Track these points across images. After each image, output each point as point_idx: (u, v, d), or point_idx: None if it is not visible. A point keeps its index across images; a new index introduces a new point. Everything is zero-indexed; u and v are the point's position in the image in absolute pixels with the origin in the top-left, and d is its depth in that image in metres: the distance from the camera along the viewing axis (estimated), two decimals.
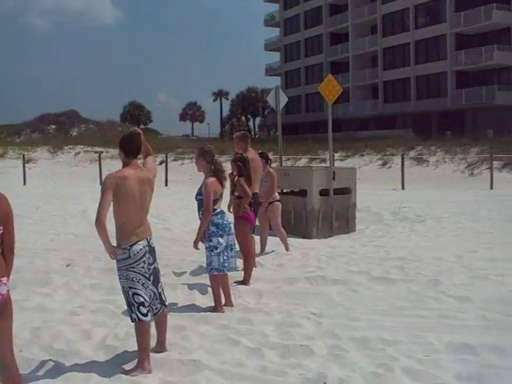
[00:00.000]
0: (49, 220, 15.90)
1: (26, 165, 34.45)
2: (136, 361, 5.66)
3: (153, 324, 5.87)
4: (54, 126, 68.63)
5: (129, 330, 6.51)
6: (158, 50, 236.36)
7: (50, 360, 5.91)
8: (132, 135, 5.76)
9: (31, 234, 13.02)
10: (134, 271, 5.56)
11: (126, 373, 5.54)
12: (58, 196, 22.50)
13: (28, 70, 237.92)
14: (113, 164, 37.11)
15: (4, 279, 4.19)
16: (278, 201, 11.14)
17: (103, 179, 5.57)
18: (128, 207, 5.47)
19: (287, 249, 11.15)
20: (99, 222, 5.32)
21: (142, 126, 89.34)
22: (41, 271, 9.33)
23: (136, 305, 5.58)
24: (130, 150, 5.62)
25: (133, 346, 6.02)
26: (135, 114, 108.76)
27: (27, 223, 14.59)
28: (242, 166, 8.58)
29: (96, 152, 42.58)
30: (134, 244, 5.54)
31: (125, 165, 5.63)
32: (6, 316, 4.27)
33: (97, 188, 25.11)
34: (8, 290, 4.24)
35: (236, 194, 8.64)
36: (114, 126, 69.52)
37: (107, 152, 42.83)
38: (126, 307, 7.31)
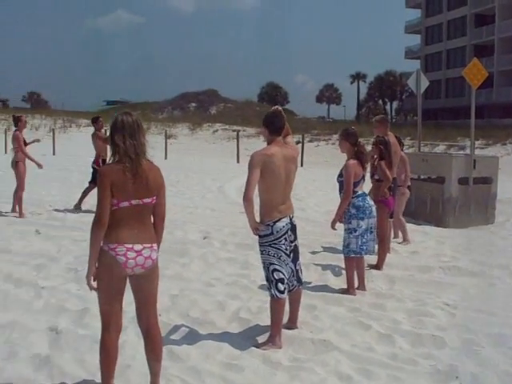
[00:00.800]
0: (188, 194, 16.48)
1: (167, 140, 35.71)
2: (268, 335, 5.79)
3: (286, 300, 5.97)
4: (194, 104, 70.76)
5: (262, 304, 6.68)
6: (296, 31, 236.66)
7: (186, 326, 6.17)
8: (275, 113, 5.84)
9: (171, 206, 13.44)
10: (276, 247, 5.67)
11: (258, 346, 5.68)
12: (197, 171, 23.20)
13: (171, 51, 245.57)
14: (250, 142, 37.78)
15: (155, 246, 4.42)
16: (408, 187, 10.77)
17: (250, 157, 5.63)
18: (273, 184, 5.58)
19: (405, 239, 10.58)
20: (247, 199, 5.46)
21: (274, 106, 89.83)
22: (179, 242, 9.72)
23: (274, 281, 5.70)
24: (274, 127, 5.71)
25: (265, 320, 6.17)
26: (272, 94, 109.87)
27: (168, 195, 15.04)
28: (384, 149, 8.50)
29: (234, 130, 43.42)
30: (277, 221, 5.64)
31: (269, 142, 5.73)
32: (154, 280, 4.51)
33: (234, 165, 25.74)
34: (157, 256, 4.47)
35: (376, 177, 8.57)
36: (251, 105, 70.65)
37: (244, 131, 43.60)
38: (259, 282, 7.54)
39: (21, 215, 12.55)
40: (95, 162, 13.47)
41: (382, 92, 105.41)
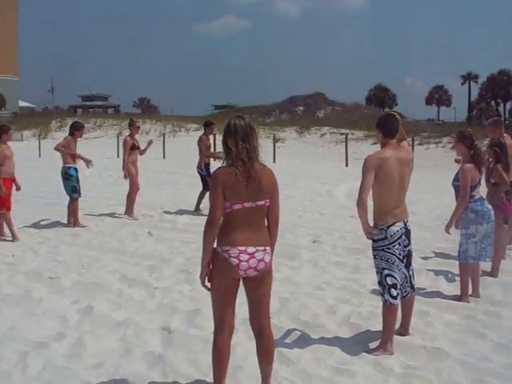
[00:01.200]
0: (296, 197, 16.50)
1: (275, 144, 35.90)
2: (379, 341, 5.70)
3: (399, 306, 5.85)
4: (301, 108, 70.82)
5: (373, 309, 6.58)
6: (403, 32, 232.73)
7: (297, 330, 6.18)
8: (389, 116, 5.79)
9: (282, 209, 13.55)
10: (390, 252, 5.57)
11: (369, 351, 5.60)
12: (305, 175, 23.20)
13: (278, 54, 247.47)
14: (358, 146, 37.41)
15: (268, 248, 4.44)
16: None
17: (364, 160, 5.58)
18: (387, 188, 5.49)
19: None
20: (361, 203, 5.43)
21: (386, 109, 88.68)
22: (290, 245, 9.74)
23: (387, 286, 5.60)
24: (388, 130, 5.63)
25: (376, 325, 6.08)
26: (380, 96, 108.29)
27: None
28: (500, 152, 8.20)
29: (342, 134, 43.11)
30: (391, 225, 5.55)
31: (383, 145, 5.65)
32: (267, 283, 4.53)
33: (342, 169, 25.50)
34: (271, 259, 4.49)
35: (492, 180, 8.27)
36: (359, 108, 69.98)
37: (352, 134, 43.15)
38: (370, 287, 7.44)
39: (131, 215, 12.97)
40: (198, 165, 13.73)
41: (494, 92, 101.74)
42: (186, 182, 19.09)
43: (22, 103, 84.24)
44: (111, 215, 13.32)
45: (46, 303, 7.11)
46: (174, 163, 28.52)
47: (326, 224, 12.27)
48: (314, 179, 21.84)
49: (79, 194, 12.11)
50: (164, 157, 34.13)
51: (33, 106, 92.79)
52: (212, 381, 4.61)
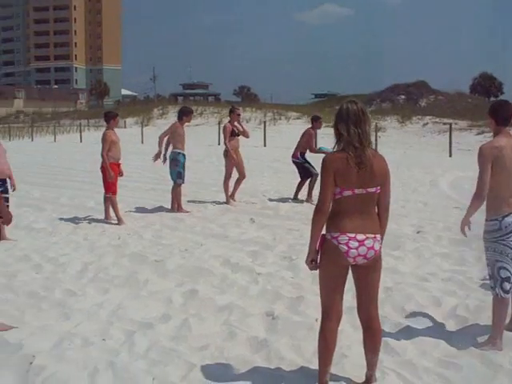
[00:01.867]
0: (400, 187, 16.21)
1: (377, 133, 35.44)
2: (487, 336, 5.52)
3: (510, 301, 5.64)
4: (403, 97, 69.47)
5: (480, 303, 6.39)
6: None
7: (402, 320, 6.08)
8: (501, 102, 5.62)
9: None
10: (504, 244, 5.36)
11: (476, 346, 5.43)
12: (407, 164, 22.75)
13: (380, 42, 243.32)
14: (462, 136, 36.43)
15: (378, 236, 4.38)
16: None
17: (479, 150, 5.40)
18: (502, 177, 5.29)
19: None
20: (480, 197, 5.30)
21: (492, 98, 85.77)
22: (393, 235, 9.57)
23: (500, 279, 5.40)
24: (501, 117, 5.43)
25: (484, 319, 5.90)
26: (485, 85, 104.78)
27: None
28: None
29: (445, 124, 42.07)
30: (506, 216, 5.35)
31: (496, 133, 5.45)
32: (377, 271, 4.47)
33: (446, 159, 24.80)
34: (380, 247, 4.42)
35: None
36: (463, 97, 67.98)
37: (456, 124, 41.99)
38: (476, 279, 7.24)
39: (228, 202, 13.19)
40: (294, 155, 13.70)
41: None
42: (288, 170, 19.15)
43: (124, 91, 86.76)
44: (214, 202, 13.53)
45: (151, 285, 7.31)
46: (276, 151, 28.65)
47: (429, 214, 12.00)
48: (417, 169, 21.41)
49: (183, 180, 12.36)
50: (265, 145, 34.36)
51: (135, 94, 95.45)
52: (316, 368, 4.60)
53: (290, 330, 5.78)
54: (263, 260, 8.46)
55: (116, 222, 11.16)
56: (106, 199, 11.34)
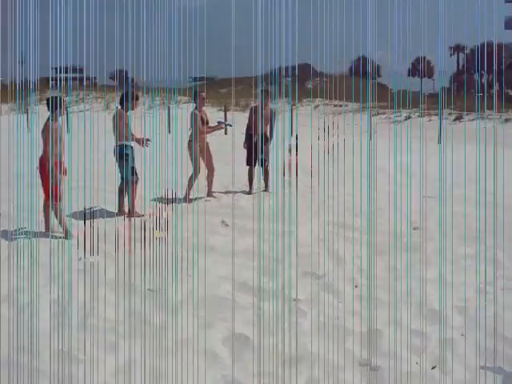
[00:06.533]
0: None
1: None
2: None
3: None
4: (289, 79, 69.10)
5: None
6: None
7: None
8: None
9: None
10: None
11: None
12: None
13: None
14: (356, 118, 36.23)
15: None
16: None
17: None
18: None
19: None
20: None
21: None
22: None
23: None
24: None
25: None
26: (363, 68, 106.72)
27: None
28: None
29: (335, 106, 41.76)
30: None
31: None
32: None
33: None
34: None
35: None
36: (347, 79, 68.46)
37: (346, 105, 41.79)
38: None
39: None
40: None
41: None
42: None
43: None
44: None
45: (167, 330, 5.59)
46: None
47: None
48: None
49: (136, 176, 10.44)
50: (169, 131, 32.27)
51: None
52: None
53: None
54: (280, 277, 6.79)
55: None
56: None
